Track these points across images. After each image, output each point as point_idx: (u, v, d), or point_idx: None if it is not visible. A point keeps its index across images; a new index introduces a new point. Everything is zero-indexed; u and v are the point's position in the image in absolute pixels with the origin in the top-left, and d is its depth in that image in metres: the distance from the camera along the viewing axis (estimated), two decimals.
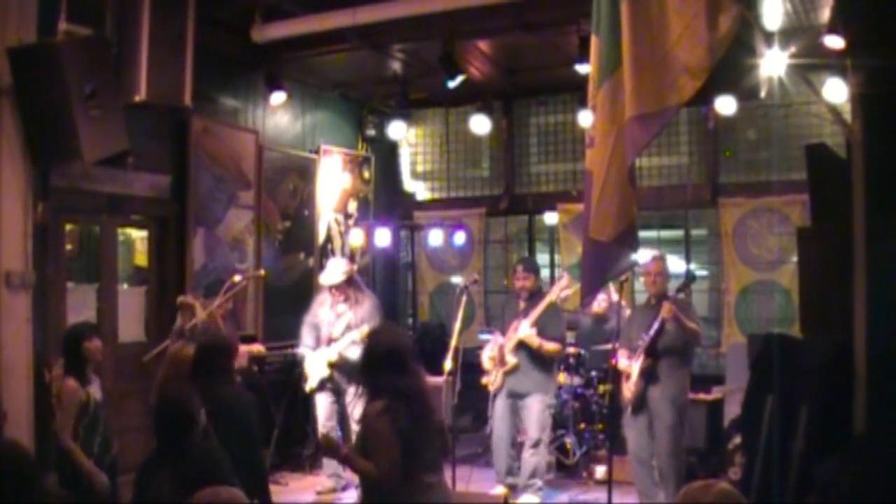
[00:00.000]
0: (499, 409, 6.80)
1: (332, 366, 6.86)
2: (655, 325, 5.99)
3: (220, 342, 4.86)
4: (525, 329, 6.55)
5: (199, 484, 2.86)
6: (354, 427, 6.70)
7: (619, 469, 7.08)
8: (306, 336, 7.06)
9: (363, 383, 3.95)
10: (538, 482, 6.58)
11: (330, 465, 6.94)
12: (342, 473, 6.94)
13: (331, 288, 6.93)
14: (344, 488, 6.94)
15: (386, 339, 4.01)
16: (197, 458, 3.74)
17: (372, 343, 4.01)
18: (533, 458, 6.59)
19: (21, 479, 2.85)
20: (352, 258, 9.60)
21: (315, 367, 6.93)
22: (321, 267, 8.96)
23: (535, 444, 6.60)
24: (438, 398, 6.93)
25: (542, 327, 6.58)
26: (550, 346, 6.57)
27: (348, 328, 6.79)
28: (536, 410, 6.60)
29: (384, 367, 3.83)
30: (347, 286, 6.91)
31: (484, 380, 6.95)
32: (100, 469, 4.85)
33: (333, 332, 6.87)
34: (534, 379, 6.64)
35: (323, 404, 7.03)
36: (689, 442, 6.65)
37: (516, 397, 6.70)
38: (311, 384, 6.98)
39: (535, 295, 6.73)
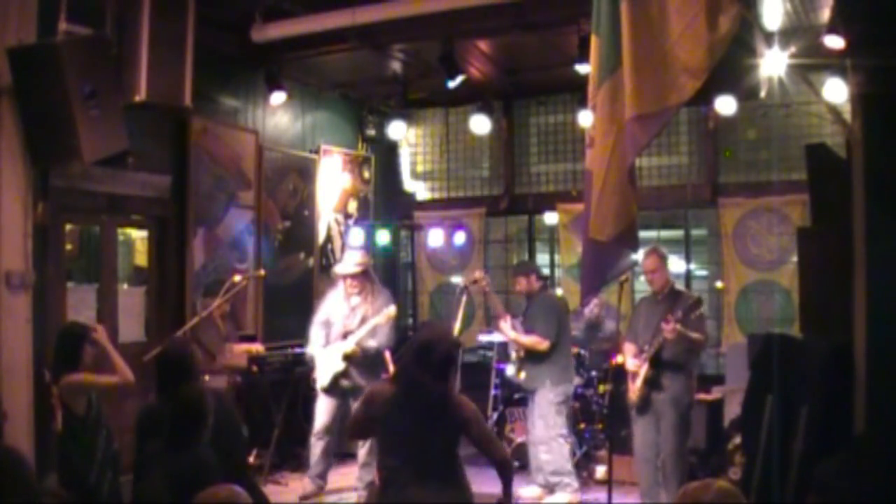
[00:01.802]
0: (529, 405, 7.04)
1: (347, 358, 6.63)
2: (659, 339, 6.01)
3: (182, 348, 4.89)
4: (503, 325, 6.98)
5: (191, 487, 2.86)
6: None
7: (619, 469, 7.09)
8: (316, 335, 6.85)
9: (395, 359, 4.15)
10: (565, 479, 6.58)
11: (316, 466, 6.76)
12: (325, 475, 6.83)
13: (345, 278, 6.78)
14: (326, 492, 6.82)
15: (432, 332, 4.22)
16: (191, 460, 3.75)
17: (422, 332, 4.26)
18: (548, 456, 6.60)
19: (18, 487, 2.85)
20: None
21: (329, 362, 6.70)
22: (321, 267, 9.00)
23: (542, 441, 6.60)
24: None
25: (531, 321, 6.82)
26: (524, 339, 6.79)
27: (364, 321, 6.64)
28: (539, 406, 6.67)
29: (413, 355, 3.95)
30: (363, 278, 6.76)
31: (523, 374, 7.30)
32: (104, 465, 4.84)
33: (349, 324, 6.69)
34: (533, 374, 6.78)
35: (327, 405, 6.77)
36: (690, 442, 6.64)
37: (531, 392, 6.88)
38: (322, 382, 6.74)
39: (534, 295, 6.91)
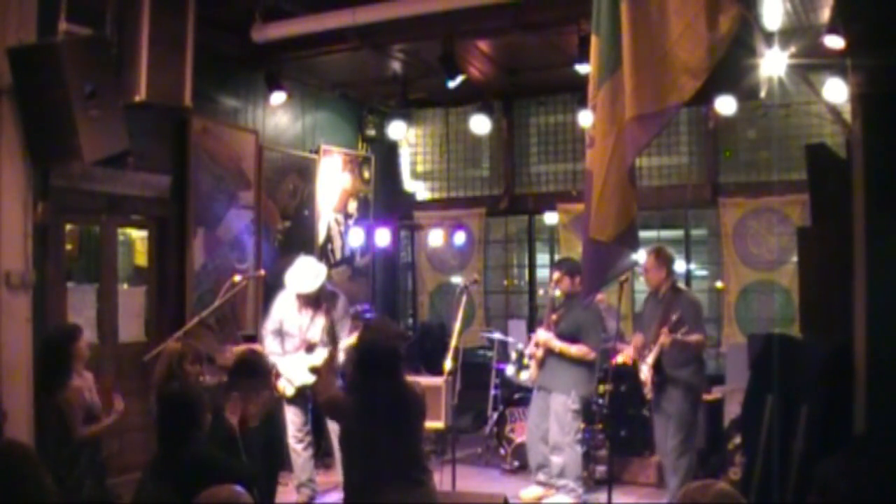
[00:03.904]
0: (533, 402, 6.90)
1: (314, 371, 6.20)
2: (656, 350, 6.05)
3: (259, 361, 5.18)
4: (542, 334, 6.71)
5: (201, 487, 2.86)
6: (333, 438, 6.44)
7: (619, 469, 7.11)
8: (272, 345, 6.45)
9: (347, 380, 4.02)
10: (570, 483, 6.51)
11: (303, 472, 6.58)
12: (315, 478, 6.70)
13: (301, 295, 6.32)
14: (317, 496, 6.67)
15: (370, 333, 4.10)
16: (198, 463, 3.75)
17: (361, 335, 4.08)
18: (558, 459, 6.54)
19: (26, 480, 2.86)
20: (352, 258, 9.62)
21: (294, 374, 6.37)
22: None
23: (557, 446, 6.56)
24: (437, 399, 6.65)
25: (569, 325, 6.60)
26: (572, 350, 6.55)
27: (326, 332, 6.29)
28: (556, 412, 6.58)
29: (367, 370, 3.91)
30: (320, 289, 6.36)
31: (523, 374, 7.13)
32: (84, 473, 4.84)
33: (310, 336, 6.36)
34: (557, 376, 6.63)
35: (297, 411, 6.51)
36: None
37: (545, 391, 6.74)
38: (290, 392, 6.42)
39: (575, 298, 6.63)
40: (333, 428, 6.46)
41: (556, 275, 6.83)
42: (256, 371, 5.00)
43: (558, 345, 6.58)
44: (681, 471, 6.09)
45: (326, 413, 4.37)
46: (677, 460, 6.12)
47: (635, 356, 6.41)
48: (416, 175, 10.53)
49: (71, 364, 4.94)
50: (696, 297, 6.65)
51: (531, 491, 6.80)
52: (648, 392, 6.24)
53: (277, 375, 6.45)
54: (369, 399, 3.85)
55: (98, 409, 5.06)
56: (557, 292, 6.86)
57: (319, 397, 4.32)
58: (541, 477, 6.78)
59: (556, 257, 9.54)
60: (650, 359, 6.11)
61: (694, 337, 6.01)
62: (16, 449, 3.03)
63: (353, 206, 9.64)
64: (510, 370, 7.88)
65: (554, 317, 6.76)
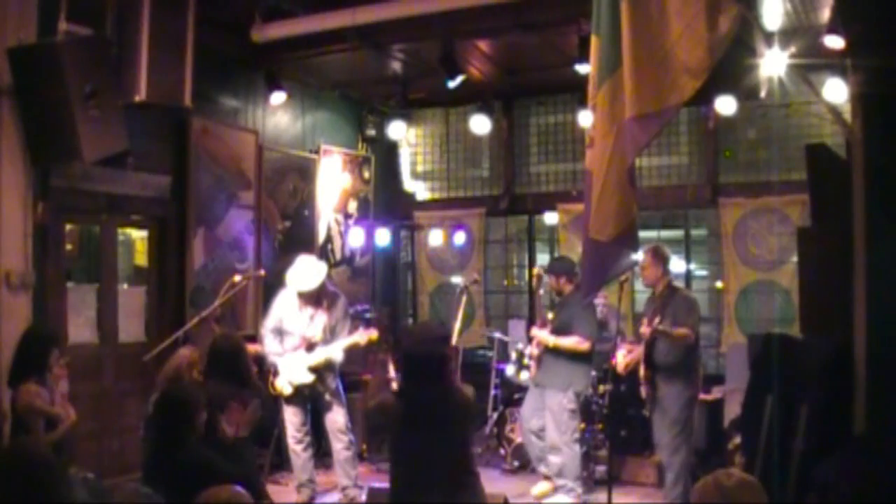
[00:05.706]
0: (527, 397, 6.92)
1: (314, 370, 6.33)
2: (642, 345, 6.08)
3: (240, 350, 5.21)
4: (536, 331, 6.72)
5: (195, 489, 2.86)
6: (335, 439, 6.43)
7: (619, 469, 7.11)
8: (272, 344, 6.43)
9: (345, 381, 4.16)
10: (568, 482, 6.49)
11: (303, 472, 6.53)
12: (315, 478, 6.65)
13: (301, 293, 6.32)
14: (317, 496, 6.64)
15: (411, 340, 4.23)
16: (192, 466, 3.75)
17: (404, 342, 4.29)
18: (556, 459, 6.53)
19: (44, 485, 2.85)
20: (352, 258, 9.62)
21: (293, 373, 6.35)
22: None
23: (554, 446, 6.55)
24: None
25: (565, 321, 6.60)
26: (565, 342, 6.53)
27: (326, 331, 6.35)
28: (552, 410, 6.57)
29: (411, 376, 4.01)
30: (320, 288, 6.37)
31: (523, 374, 7.16)
32: None
33: (309, 334, 6.35)
34: (552, 373, 6.62)
35: (296, 411, 6.45)
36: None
37: (540, 387, 6.74)
38: (287, 391, 6.41)
39: (569, 295, 6.65)
40: (332, 428, 6.50)
41: (546, 275, 6.89)
42: (233, 368, 4.94)
43: (551, 339, 6.57)
44: (675, 467, 6.09)
45: (374, 419, 4.45)
46: (671, 456, 6.12)
47: (632, 365, 6.39)
48: (416, 175, 10.52)
49: (43, 367, 4.83)
50: (692, 296, 6.63)
51: (540, 486, 6.80)
52: (644, 389, 6.22)
53: (275, 374, 6.44)
54: (415, 405, 3.93)
55: (56, 418, 4.88)
56: (542, 291, 6.90)
57: (369, 402, 4.40)
58: (543, 469, 6.79)
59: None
60: (640, 352, 6.12)
61: (680, 330, 5.98)
62: (35, 453, 3.02)
63: (353, 206, 9.64)
64: (510, 370, 7.88)
65: (550, 315, 6.77)
